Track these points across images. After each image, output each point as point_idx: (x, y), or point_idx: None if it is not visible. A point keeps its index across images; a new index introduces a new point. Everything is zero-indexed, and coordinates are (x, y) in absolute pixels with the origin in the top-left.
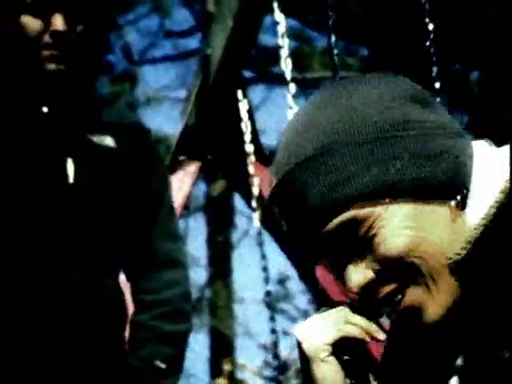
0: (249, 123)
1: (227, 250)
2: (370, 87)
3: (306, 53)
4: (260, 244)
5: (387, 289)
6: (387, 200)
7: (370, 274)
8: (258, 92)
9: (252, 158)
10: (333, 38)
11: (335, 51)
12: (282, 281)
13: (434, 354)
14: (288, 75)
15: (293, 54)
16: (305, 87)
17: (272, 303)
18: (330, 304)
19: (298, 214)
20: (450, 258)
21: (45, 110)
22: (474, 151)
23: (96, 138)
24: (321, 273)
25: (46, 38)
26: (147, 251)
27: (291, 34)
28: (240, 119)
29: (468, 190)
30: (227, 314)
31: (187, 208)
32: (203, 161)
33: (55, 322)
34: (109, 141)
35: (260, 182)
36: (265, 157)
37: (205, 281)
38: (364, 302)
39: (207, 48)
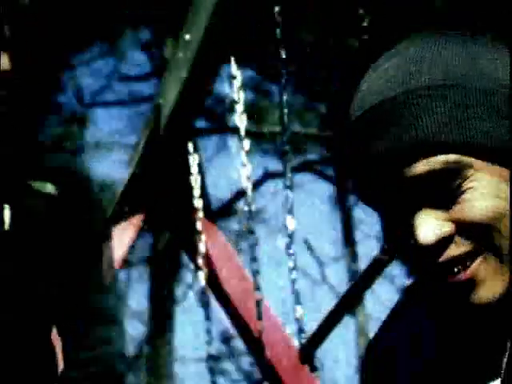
0: (198, 177)
1: (170, 304)
2: (493, 44)
3: (264, 106)
4: (204, 304)
5: (458, 251)
6: (493, 158)
7: (449, 228)
8: (212, 142)
9: (200, 214)
10: (284, 97)
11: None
12: (225, 340)
13: (478, 343)
14: (242, 131)
15: (250, 106)
16: (260, 141)
17: (214, 364)
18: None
19: (389, 144)
20: None
21: None
22: None
23: (36, 184)
24: None
25: None
26: (81, 306)
27: (250, 85)
28: (189, 172)
29: None
30: (166, 373)
31: (128, 261)
32: (148, 213)
33: None
34: (50, 188)
35: (207, 239)
36: (213, 213)
37: (144, 337)
38: (429, 261)
39: (159, 97)
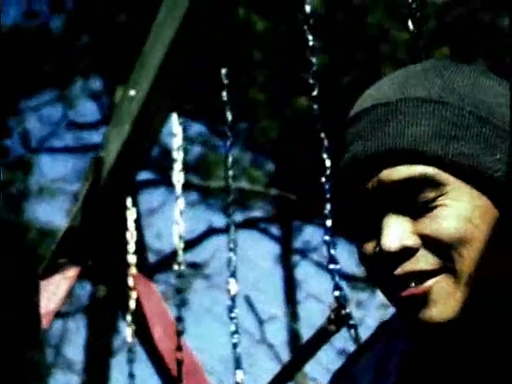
0: (134, 233)
1: (106, 356)
2: (498, 80)
3: (212, 160)
4: (130, 361)
5: (418, 266)
6: (471, 181)
7: (414, 242)
8: (160, 193)
9: (133, 270)
10: (229, 141)
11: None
12: None
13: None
14: (179, 190)
15: (199, 160)
16: (207, 195)
17: None
18: None
19: (374, 146)
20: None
21: None
22: None
23: None
24: None
25: None
26: (5, 361)
27: (200, 139)
28: (126, 228)
29: None
30: None
31: (64, 312)
32: (84, 266)
33: None
34: None
35: (139, 295)
36: (150, 268)
37: None
38: (389, 270)
39: (101, 150)
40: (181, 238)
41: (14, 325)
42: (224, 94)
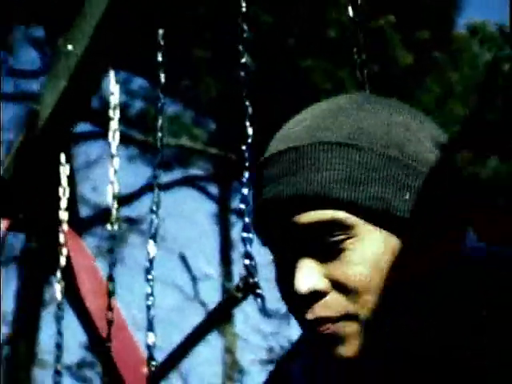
0: (67, 189)
1: (37, 307)
2: (411, 115)
3: (152, 115)
4: (58, 318)
5: (328, 311)
6: (381, 223)
7: (323, 285)
8: (97, 146)
9: (64, 226)
10: (161, 101)
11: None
12: (89, 348)
13: None
14: (114, 149)
15: (140, 115)
16: (146, 150)
17: (76, 371)
18: None
19: (284, 192)
20: None
21: None
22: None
23: None
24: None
25: None
26: None
27: (142, 94)
28: (59, 183)
29: None
30: (25, 377)
31: None
32: (15, 219)
33: None
34: None
35: (70, 252)
36: (80, 226)
37: (6, 338)
38: (298, 308)
39: (37, 104)
40: (114, 197)
41: None
42: (159, 55)
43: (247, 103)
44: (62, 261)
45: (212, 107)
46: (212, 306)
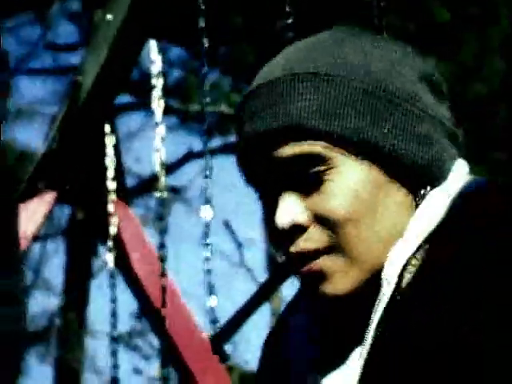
0: (114, 159)
1: (86, 278)
2: (397, 49)
3: (191, 84)
4: (111, 286)
5: (309, 245)
6: (359, 153)
7: (304, 218)
8: (139, 116)
9: (113, 196)
10: (204, 69)
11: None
12: (139, 317)
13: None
14: (158, 117)
15: (178, 84)
16: (186, 119)
17: (126, 340)
18: None
19: (262, 125)
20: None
21: None
22: (457, 163)
23: None
24: None
25: None
26: None
27: (179, 63)
28: (105, 154)
29: (428, 191)
30: (76, 347)
31: (43, 235)
32: (61, 191)
33: None
34: None
35: (118, 222)
36: (127, 196)
37: (57, 309)
38: (281, 244)
39: (78, 74)
40: (161, 165)
41: None
42: (201, 20)
43: None
44: (112, 230)
45: (250, 73)
46: (257, 270)
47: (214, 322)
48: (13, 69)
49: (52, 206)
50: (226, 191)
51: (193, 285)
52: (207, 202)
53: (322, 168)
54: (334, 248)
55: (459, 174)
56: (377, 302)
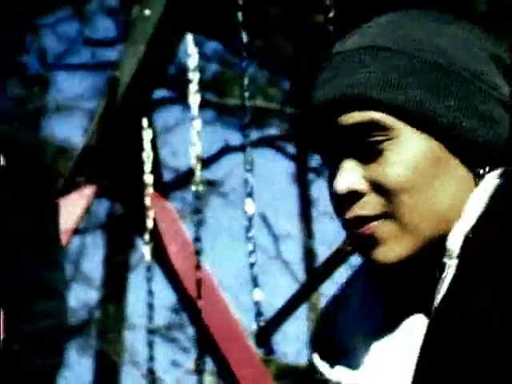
0: (151, 154)
1: (124, 271)
2: (468, 28)
3: (227, 78)
4: (148, 280)
5: (364, 211)
6: (420, 126)
7: (361, 186)
8: (176, 110)
9: (150, 190)
10: (244, 64)
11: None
12: (176, 310)
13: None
14: (195, 111)
15: (215, 78)
16: (223, 113)
17: (164, 332)
18: None
19: (327, 94)
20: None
21: None
22: None
23: None
24: None
25: None
26: (24, 278)
27: (216, 57)
28: (142, 148)
29: (494, 168)
30: (116, 339)
31: (82, 229)
32: (100, 185)
33: None
34: None
35: (156, 214)
36: (165, 189)
37: (96, 302)
38: (339, 209)
39: (116, 70)
40: (198, 159)
41: (34, 243)
42: (239, 14)
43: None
44: (149, 223)
45: (286, 66)
46: (294, 264)
47: (259, 315)
48: (52, 64)
49: (91, 200)
50: (261, 185)
51: (229, 278)
52: (249, 195)
53: (382, 137)
54: (389, 215)
55: None
56: (443, 274)
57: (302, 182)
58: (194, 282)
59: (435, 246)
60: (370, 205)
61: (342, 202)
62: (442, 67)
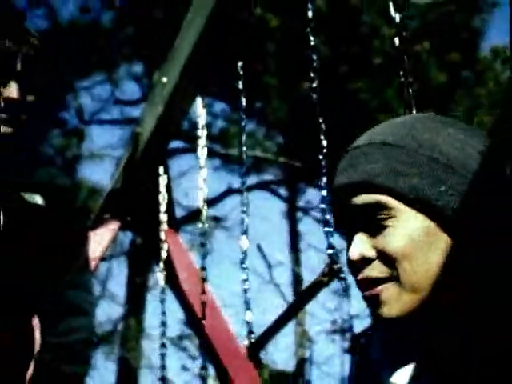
0: (165, 196)
1: (143, 291)
2: (463, 129)
3: (232, 133)
4: (162, 301)
5: (373, 273)
6: (416, 207)
7: (371, 253)
8: (189, 160)
9: (164, 226)
10: (243, 123)
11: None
12: (186, 323)
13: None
14: (202, 162)
15: (221, 133)
16: (227, 161)
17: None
18: None
19: (345, 179)
20: (444, 292)
21: None
22: None
23: (27, 196)
24: None
25: None
26: (58, 298)
27: (223, 115)
28: (159, 191)
29: None
30: (135, 348)
31: (105, 258)
32: (123, 221)
33: None
34: (38, 199)
35: (169, 246)
36: (176, 225)
37: (119, 316)
38: (353, 271)
39: (138, 127)
40: (204, 201)
41: (67, 269)
42: (240, 83)
43: (320, 120)
44: (163, 254)
45: (280, 124)
46: (285, 288)
47: (249, 332)
48: (87, 120)
49: (116, 232)
50: (258, 220)
51: (231, 296)
52: (244, 233)
53: (386, 215)
54: (392, 278)
55: None
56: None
57: (292, 218)
58: (200, 303)
59: (430, 301)
60: (378, 269)
61: (355, 266)
62: (438, 161)
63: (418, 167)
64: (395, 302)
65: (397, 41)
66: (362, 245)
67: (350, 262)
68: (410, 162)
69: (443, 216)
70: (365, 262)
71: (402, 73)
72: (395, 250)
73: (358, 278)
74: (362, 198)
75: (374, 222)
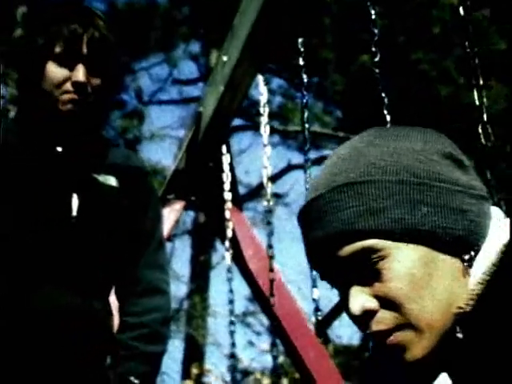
0: (229, 174)
1: (207, 269)
2: (418, 138)
3: (290, 108)
4: (229, 280)
5: (381, 325)
6: (405, 240)
7: (373, 304)
8: (248, 137)
9: (229, 205)
10: (305, 99)
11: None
12: (250, 300)
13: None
14: (265, 140)
15: (279, 109)
16: (286, 137)
17: (241, 319)
18: None
19: (319, 234)
20: (456, 312)
21: (59, 149)
22: (492, 216)
23: (101, 178)
24: None
25: (68, 86)
26: (135, 278)
27: (280, 91)
28: (222, 170)
29: (479, 250)
30: (201, 325)
31: (171, 238)
32: (188, 201)
33: (49, 339)
34: (112, 181)
35: (234, 225)
36: (240, 203)
37: (184, 294)
38: (360, 326)
39: (200, 106)
40: (268, 179)
41: (135, 249)
42: (300, 59)
43: (383, 94)
44: (229, 232)
45: (338, 98)
46: None
47: (316, 310)
48: (146, 101)
49: (180, 212)
50: None
51: (293, 272)
52: None
53: (377, 258)
54: (404, 325)
55: (497, 226)
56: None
57: None
58: (267, 281)
59: (448, 329)
60: (384, 321)
61: (360, 320)
62: (408, 182)
63: (391, 197)
64: (417, 344)
65: (461, 10)
66: (361, 298)
67: (354, 318)
68: (383, 195)
69: (435, 238)
70: (369, 314)
71: (467, 43)
72: (398, 295)
73: (367, 332)
74: (345, 250)
75: (365, 269)
